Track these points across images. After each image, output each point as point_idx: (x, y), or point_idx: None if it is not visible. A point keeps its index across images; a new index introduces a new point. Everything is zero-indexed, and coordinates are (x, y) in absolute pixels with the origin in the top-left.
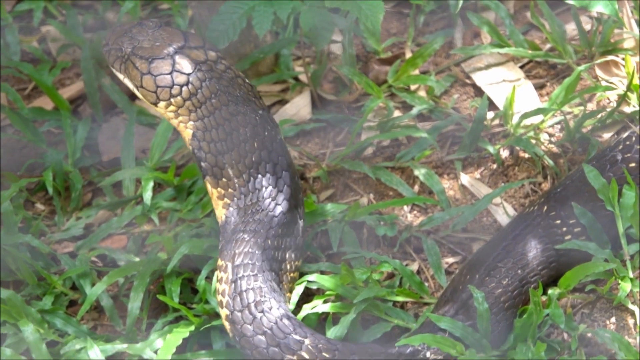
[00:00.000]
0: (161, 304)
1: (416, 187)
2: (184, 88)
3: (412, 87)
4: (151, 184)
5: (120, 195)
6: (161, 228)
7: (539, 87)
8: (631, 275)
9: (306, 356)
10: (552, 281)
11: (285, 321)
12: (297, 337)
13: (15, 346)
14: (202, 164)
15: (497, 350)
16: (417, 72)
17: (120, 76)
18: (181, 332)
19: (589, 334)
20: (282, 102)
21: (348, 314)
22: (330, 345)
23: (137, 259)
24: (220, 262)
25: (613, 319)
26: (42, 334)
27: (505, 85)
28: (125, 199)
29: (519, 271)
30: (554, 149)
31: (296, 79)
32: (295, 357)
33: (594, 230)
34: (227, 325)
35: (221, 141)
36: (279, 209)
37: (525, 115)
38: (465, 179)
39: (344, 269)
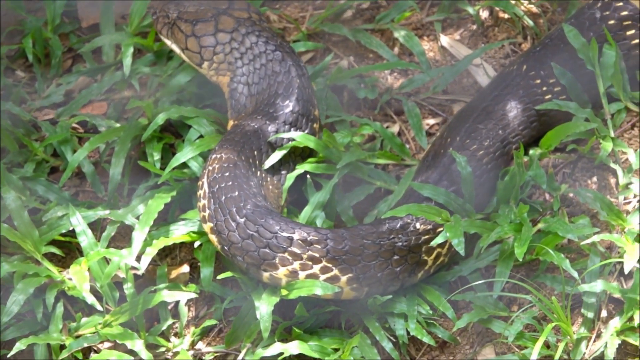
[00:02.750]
0: (142, 169)
1: (396, 49)
2: (226, 45)
3: None
4: (131, 49)
5: (100, 62)
6: (142, 94)
7: None
8: (612, 134)
9: (297, 251)
10: (534, 141)
11: (270, 220)
12: (285, 234)
13: None
14: (233, 101)
15: (481, 214)
16: None
17: (168, 42)
18: (163, 197)
19: (571, 194)
20: None
21: (330, 180)
22: (320, 235)
23: (118, 125)
24: (198, 182)
25: (595, 179)
26: (24, 201)
27: None
28: (105, 65)
29: (500, 132)
30: (534, 9)
31: None
32: (286, 255)
33: (574, 90)
34: (213, 238)
35: (254, 84)
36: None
37: None
38: (445, 40)
39: (325, 133)
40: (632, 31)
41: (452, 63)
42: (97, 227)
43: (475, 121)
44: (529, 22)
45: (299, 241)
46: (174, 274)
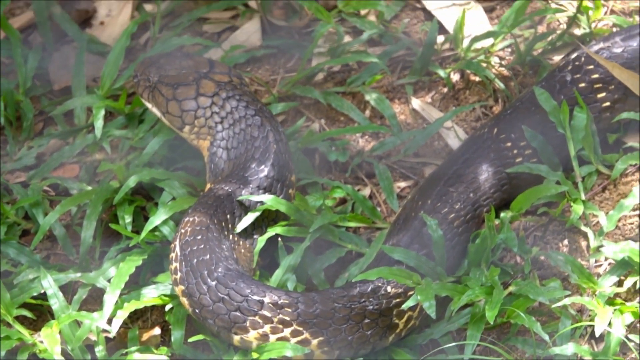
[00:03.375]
0: (114, 232)
1: (367, 112)
2: (207, 109)
3: (362, 12)
4: (102, 112)
5: (72, 124)
6: (113, 156)
7: (489, 10)
8: (583, 197)
9: (268, 314)
10: (505, 204)
11: (241, 283)
12: (256, 298)
13: None
14: (212, 165)
15: (452, 277)
16: None
17: (149, 105)
18: (134, 260)
19: (542, 257)
20: (233, 29)
21: (302, 243)
22: (291, 298)
23: (90, 188)
24: (171, 245)
25: (566, 242)
26: None
27: (455, 9)
28: (76, 128)
29: (471, 195)
30: (505, 72)
31: (246, 5)
32: (257, 318)
33: (545, 153)
34: (184, 301)
35: (233, 148)
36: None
37: (476, 39)
38: (416, 103)
39: (297, 197)
40: (603, 94)
41: (423, 126)
42: (68, 290)
43: (446, 184)
44: (500, 84)
45: (270, 304)
46: (145, 336)
